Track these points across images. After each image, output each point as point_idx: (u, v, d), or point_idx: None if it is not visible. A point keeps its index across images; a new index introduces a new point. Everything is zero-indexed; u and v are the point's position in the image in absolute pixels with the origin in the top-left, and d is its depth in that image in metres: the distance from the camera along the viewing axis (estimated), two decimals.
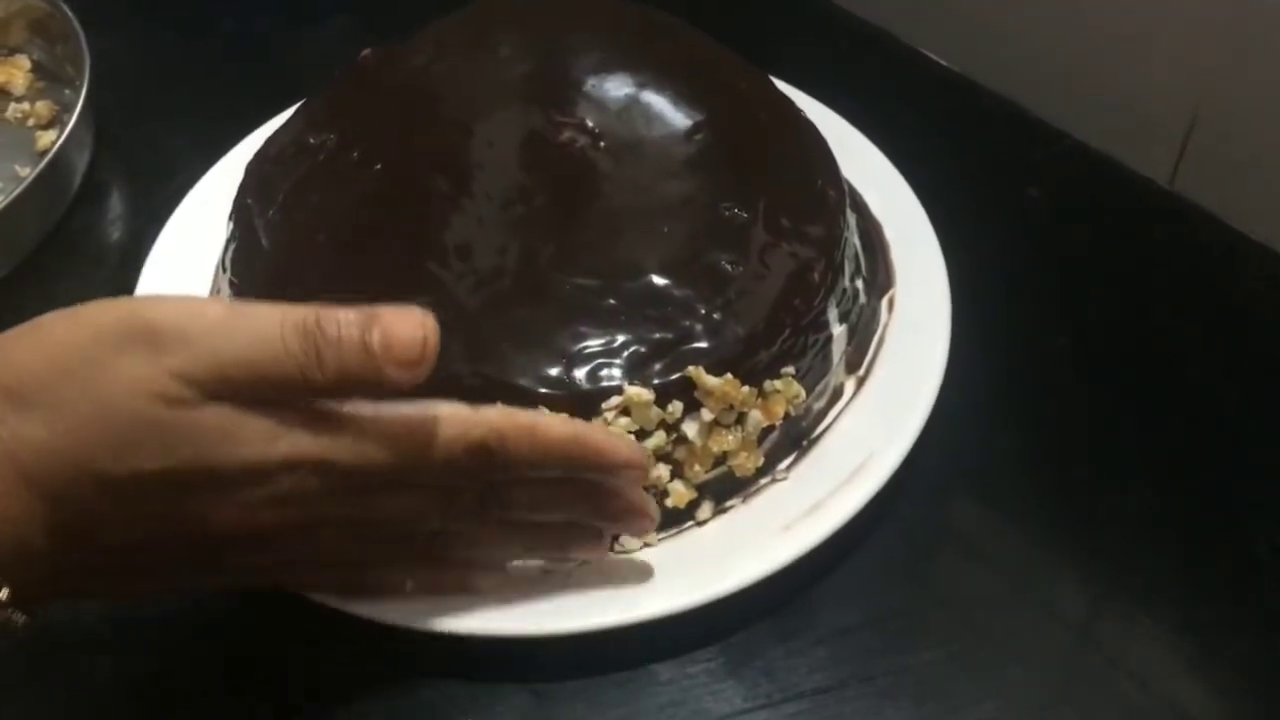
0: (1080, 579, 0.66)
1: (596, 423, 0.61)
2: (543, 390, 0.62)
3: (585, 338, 0.63)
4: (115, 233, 0.86)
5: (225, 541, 0.53)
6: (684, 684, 0.62)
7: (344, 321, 0.51)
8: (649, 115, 0.74)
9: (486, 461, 0.55)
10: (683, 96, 0.75)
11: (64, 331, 0.50)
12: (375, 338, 0.51)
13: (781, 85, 0.80)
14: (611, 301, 0.65)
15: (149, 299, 0.52)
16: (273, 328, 0.50)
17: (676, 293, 0.65)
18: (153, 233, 0.80)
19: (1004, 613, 0.65)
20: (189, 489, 0.50)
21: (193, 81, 0.98)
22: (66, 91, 0.93)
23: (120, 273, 0.80)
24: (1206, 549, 0.67)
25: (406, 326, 0.51)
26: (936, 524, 0.69)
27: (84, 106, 0.85)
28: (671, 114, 0.74)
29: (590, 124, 0.73)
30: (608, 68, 0.76)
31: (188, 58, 1.01)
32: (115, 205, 0.88)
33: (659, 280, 0.66)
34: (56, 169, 0.83)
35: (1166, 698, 0.61)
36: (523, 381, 0.62)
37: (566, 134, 0.72)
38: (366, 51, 0.80)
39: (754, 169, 0.72)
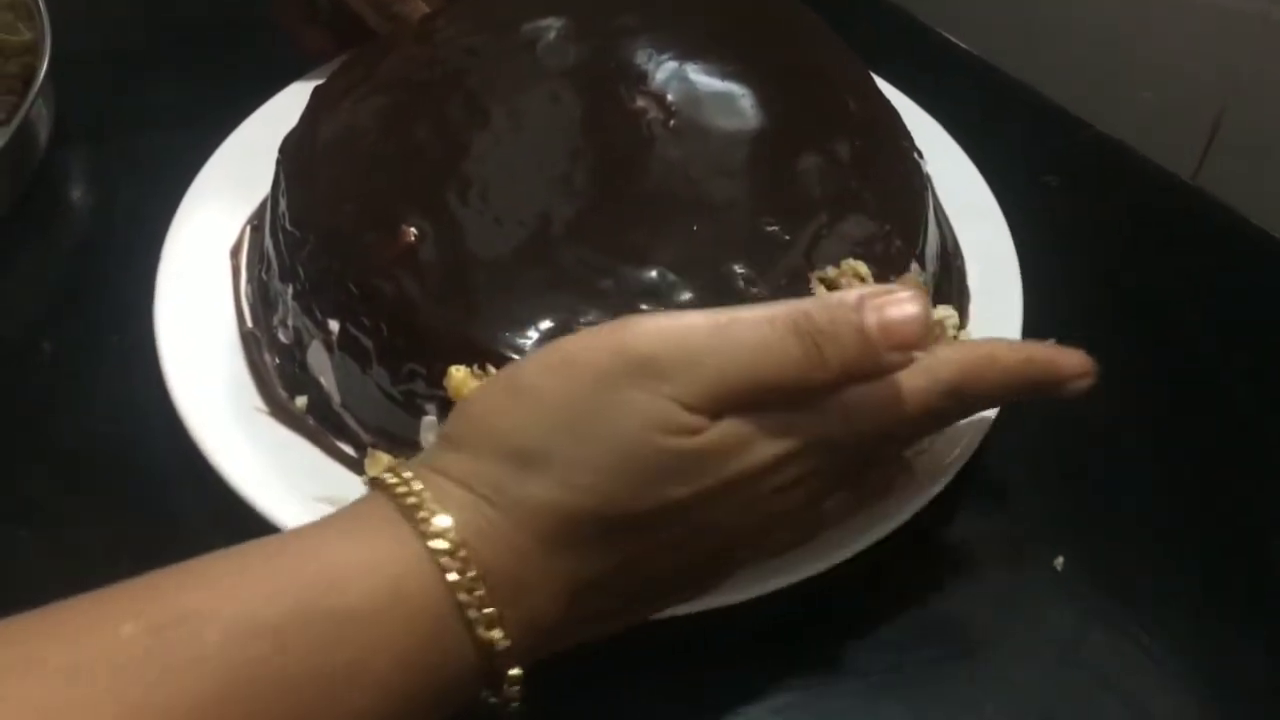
0: (1075, 590, 0.65)
1: None
2: (499, 350, 0.60)
3: (563, 311, 0.61)
4: (79, 202, 0.86)
5: (735, 542, 0.53)
6: (670, 672, 0.61)
7: (835, 311, 0.50)
8: (731, 108, 0.70)
9: (958, 403, 0.55)
10: (775, 97, 0.71)
11: (551, 383, 0.49)
12: (873, 324, 0.50)
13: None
14: (608, 282, 0.62)
15: (626, 325, 0.49)
16: (766, 334, 0.49)
17: (676, 295, 0.62)
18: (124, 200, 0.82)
19: (1004, 614, 0.64)
20: (706, 503, 0.50)
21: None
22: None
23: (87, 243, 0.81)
24: (1217, 558, 0.67)
25: (899, 307, 0.50)
26: (936, 519, 0.66)
27: (45, 75, 0.80)
28: (753, 111, 0.70)
29: (670, 99, 0.70)
30: (709, 48, 0.73)
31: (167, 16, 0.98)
32: (78, 175, 0.87)
33: (665, 276, 0.63)
34: (21, 138, 0.80)
35: (1154, 710, 0.61)
36: (479, 333, 0.61)
37: (641, 102, 0.70)
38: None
39: (821, 193, 0.67)
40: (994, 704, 0.61)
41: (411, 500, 0.48)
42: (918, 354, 0.52)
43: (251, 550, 0.47)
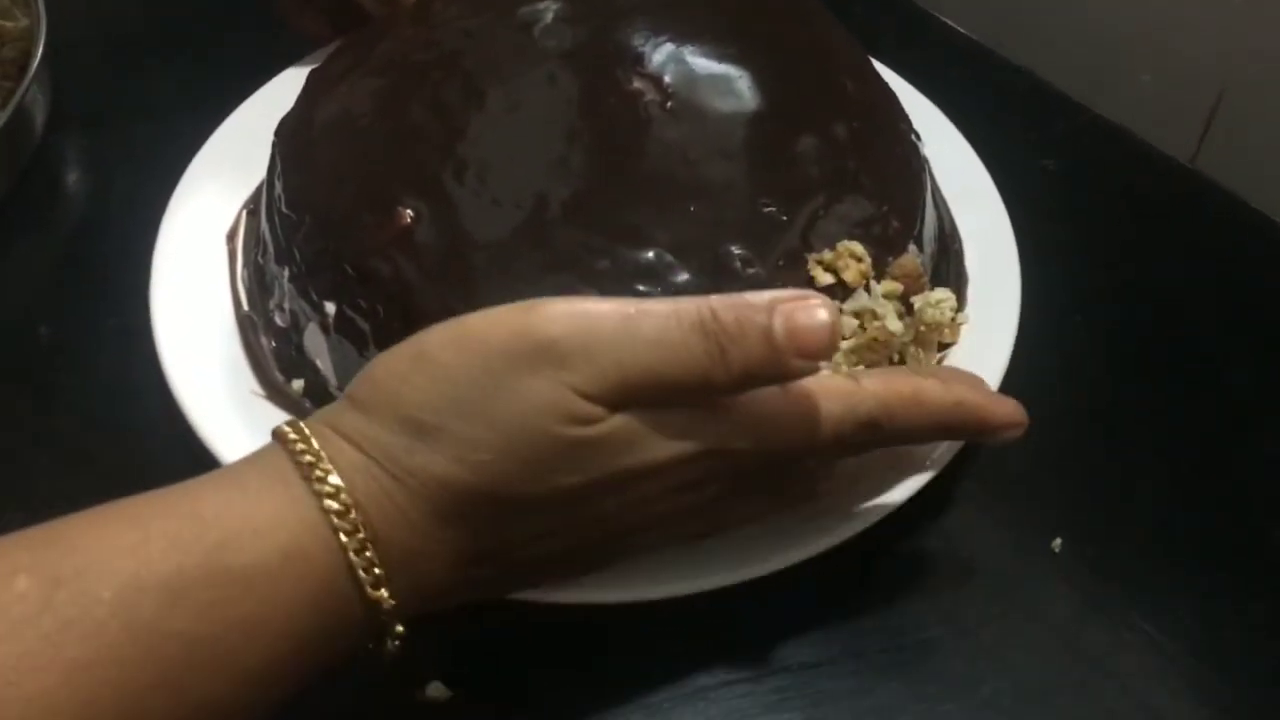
0: (1071, 575, 0.65)
1: None
2: None
3: (565, 292, 0.56)
4: (75, 187, 0.86)
5: (624, 532, 0.53)
6: (664, 653, 0.61)
7: (742, 312, 0.49)
8: (728, 89, 0.70)
9: (873, 435, 0.54)
10: (772, 79, 0.71)
11: (452, 357, 0.49)
12: (779, 327, 0.49)
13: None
14: (605, 264, 0.62)
15: (533, 308, 0.50)
16: (671, 330, 0.49)
17: (674, 276, 0.62)
18: (121, 185, 0.82)
19: (1002, 597, 0.64)
20: (597, 494, 0.50)
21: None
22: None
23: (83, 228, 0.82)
24: (1216, 543, 0.67)
25: (809, 313, 0.50)
26: (934, 501, 0.66)
27: (40, 61, 0.80)
28: (751, 93, 0.70)
29: (667, 80, 0.70)
30: (706, 30, 0.73)
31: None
32: (74, 160, 0.87)
33: (663, 257, 0.62)
34: (17, 123, 0.80)
35: (1150, 701, 0.61)
36: None
37: (638, 84, 0.70)
38: None
39: (819, 174, 0.67)
40: (991, 685, 0.61)
41: (308, 458, 0.49)
42: (827, 366, 0.52)
43: (148, 503, 0.48)
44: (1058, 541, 0.66)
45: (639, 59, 0.71)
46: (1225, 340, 0.76)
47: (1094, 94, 0.87)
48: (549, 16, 0.74)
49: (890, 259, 0.64)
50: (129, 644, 0.44)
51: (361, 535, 0.48)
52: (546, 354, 0.48)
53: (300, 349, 0.68)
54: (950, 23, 0.93)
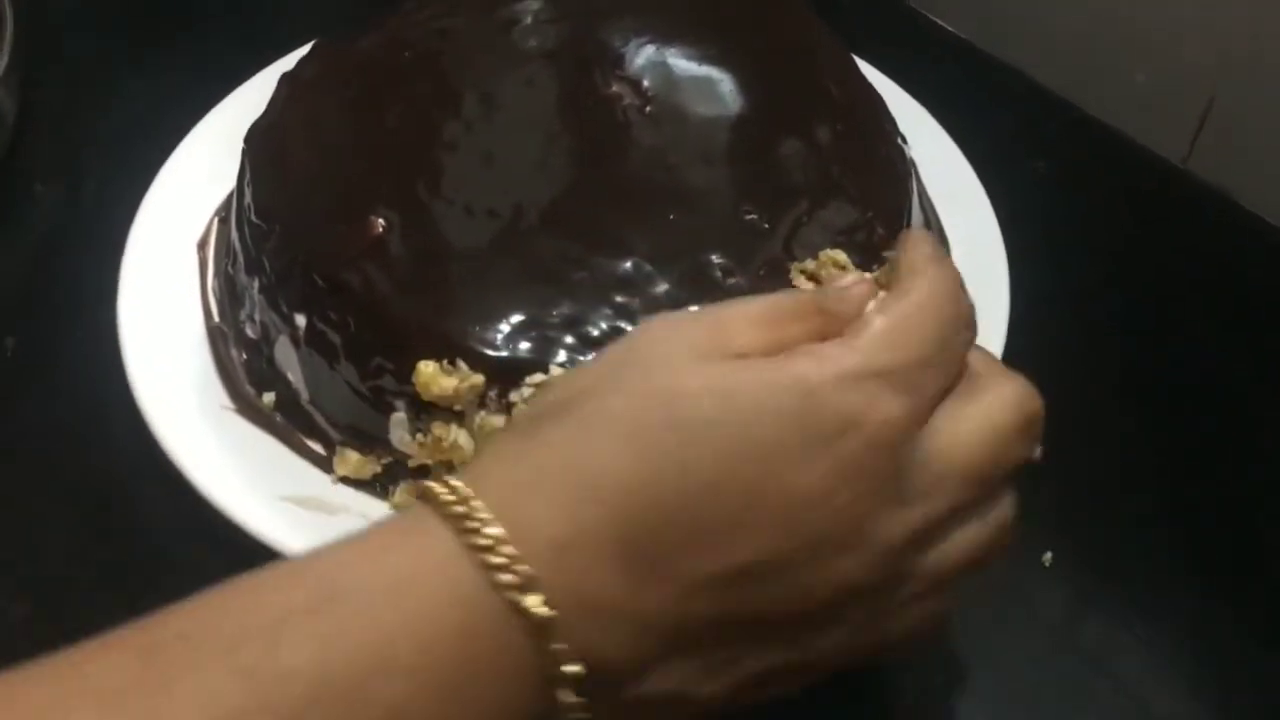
0: (1067, 574, 0.64)
1: (515, 396, 0.57)
2: (470, 344, 0.58)
3: (536, 304, 0.59)
4: (44, 194, 0.83)
5: (816, 610, 0.45)
6: None
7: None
8: (709, 92, 0.69)
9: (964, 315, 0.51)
10: (754, 82, 0.69)
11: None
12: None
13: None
14: (583, 274, 0.60)
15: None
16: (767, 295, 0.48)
17: (653, 287, 0.60)
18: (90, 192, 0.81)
19: (995, 598, 0.62)
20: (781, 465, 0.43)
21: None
22: None
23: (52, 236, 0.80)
24: (1210, 546, 0.66)
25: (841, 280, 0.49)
26: None
27: (9, 65, 0.79)
28: (732, 96, 0.68)
29: (645, 84, 0.68)
30: (687, 31, 0.71)
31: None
32: (42, 167, 0.84)
33: (641, 267, 0.61)
34: None
35: (1146, 702, 0.60)
36: (449, 327, 0.59)
37: (616, 88, 0.68)
38: None
39: (802, 180, 0.66)
40: (981, 683, 0.61)
41: (458, 509, 0.42)
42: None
43: (251, 579, 0.42)
44: (1048, 555, 0.64)
45: (618, 61, 0.70)
46: (1218, 341, 0.75)
47: (1085, 94, 0.86)
48: (528, 18, 0.73)
49: (875, 266, 0.62)
50: (239, 693, 0.38)
51: (494, 531, 0.41)
52: (670, 318, 0.48)
53: (271, 361, 0.66)
54: (939, 21, 0.92)
